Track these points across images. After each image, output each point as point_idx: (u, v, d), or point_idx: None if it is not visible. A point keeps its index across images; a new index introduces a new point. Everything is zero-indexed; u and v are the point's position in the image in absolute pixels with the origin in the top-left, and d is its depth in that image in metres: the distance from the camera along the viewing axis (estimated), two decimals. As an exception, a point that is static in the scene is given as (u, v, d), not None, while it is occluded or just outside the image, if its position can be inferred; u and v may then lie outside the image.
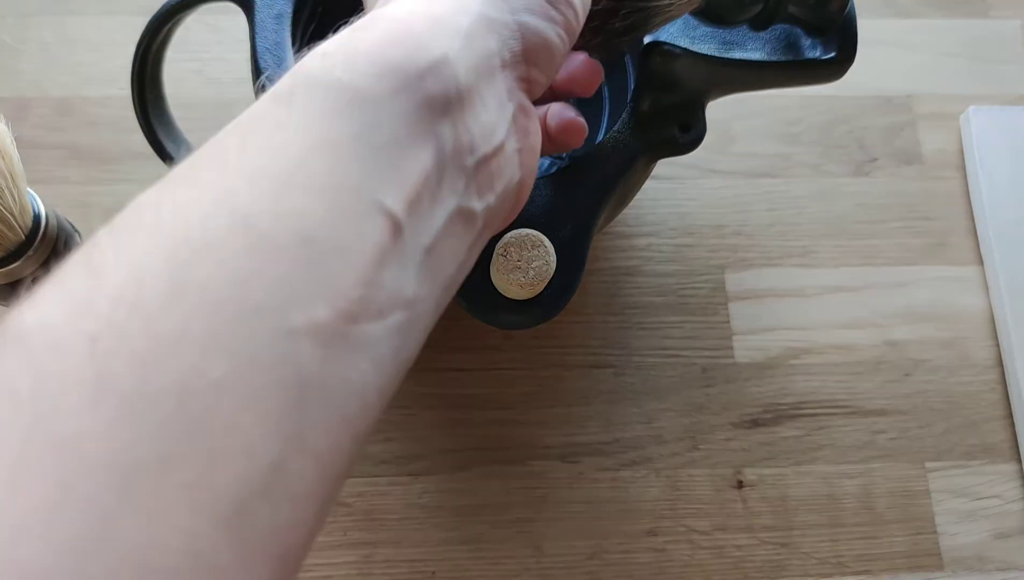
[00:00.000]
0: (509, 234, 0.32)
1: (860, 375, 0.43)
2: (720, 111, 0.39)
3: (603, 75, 0.33)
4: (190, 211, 0.18)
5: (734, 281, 0.45)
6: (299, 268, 0.18)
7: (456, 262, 0.23)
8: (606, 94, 0.43)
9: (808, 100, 0.49)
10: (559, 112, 0.31)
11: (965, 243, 0.47)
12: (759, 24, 0.34)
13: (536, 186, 0.35)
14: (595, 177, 0.35)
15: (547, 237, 0.33)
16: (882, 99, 0.50)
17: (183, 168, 0.20)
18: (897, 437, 0.42)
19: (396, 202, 0.20)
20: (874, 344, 0.44)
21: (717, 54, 0.36)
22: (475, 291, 0.33)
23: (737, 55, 0.36)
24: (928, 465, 0.42)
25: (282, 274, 0.18)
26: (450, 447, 0.41)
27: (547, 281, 0.32)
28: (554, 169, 0.43)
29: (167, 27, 0.39)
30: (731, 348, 0.44)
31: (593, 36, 0.32)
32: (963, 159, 0.49)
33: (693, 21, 0.37)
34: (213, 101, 0.47)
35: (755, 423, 0.42)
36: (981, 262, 0.47)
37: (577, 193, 0.35)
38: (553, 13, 0.25)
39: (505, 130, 0.24)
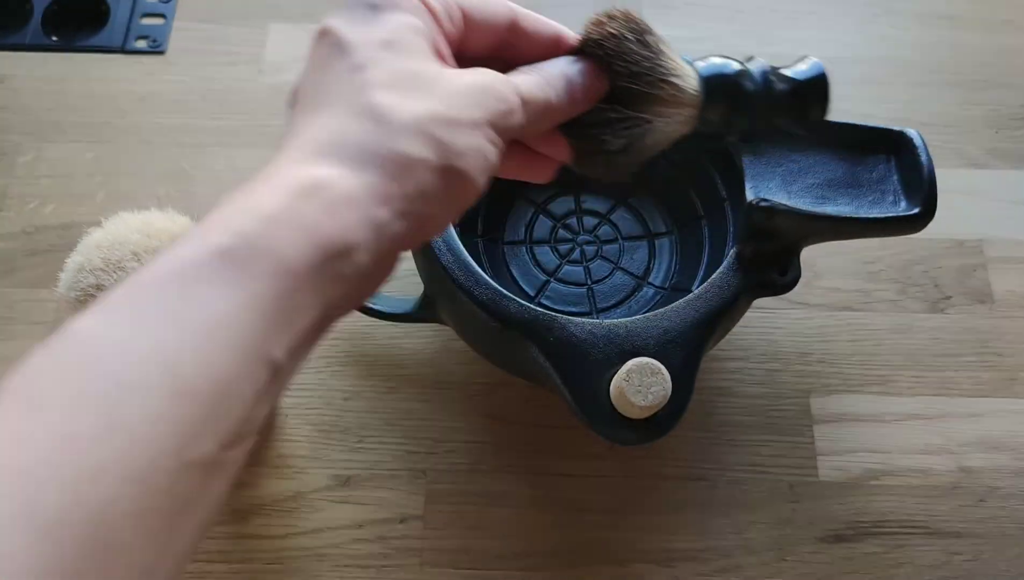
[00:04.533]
0: (632, 362, 0.38)
1: (936, 499, 0.47)
2: (806, 249, 0.44)
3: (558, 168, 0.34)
4: (126, 353, 0.22)
5: (818, 405, 0.49)
6: (203, 411, 0.22)
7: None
8: (706, 236, 0.49)
9: (886, 241, 0.54)
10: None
11: (1035, 379, 0.51)
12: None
13: (651, 320, 0.40)
14: (703, 313, 0.41)
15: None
16: (955, 242, 0.55)
17: (125, 297, 0.23)
18: (972, 559, 0.45)
19: (282, 353, 0.24)
20: (949, 470, 0.48)
21: (811, 209, 0.41)
22: (598, 410, 0.38)
23: (829, 210, 0.42)
24: (1003, 588, 0.45)
25: (189, 416, 0.22)
26: (558, 547, 0.45)
27: (663, 404, 0.38)
28: (659, 297, 0.49)
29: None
30: (815, 467, 0.48)
31: (594, 153, 0.33)
32: (1032, 300, 0.53)
33: (789, 178, 0.43)
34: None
35: (838, 538, 0.46)
36: (1051, 397, 0.50)
37: (686, 327, 0.40)
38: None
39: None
